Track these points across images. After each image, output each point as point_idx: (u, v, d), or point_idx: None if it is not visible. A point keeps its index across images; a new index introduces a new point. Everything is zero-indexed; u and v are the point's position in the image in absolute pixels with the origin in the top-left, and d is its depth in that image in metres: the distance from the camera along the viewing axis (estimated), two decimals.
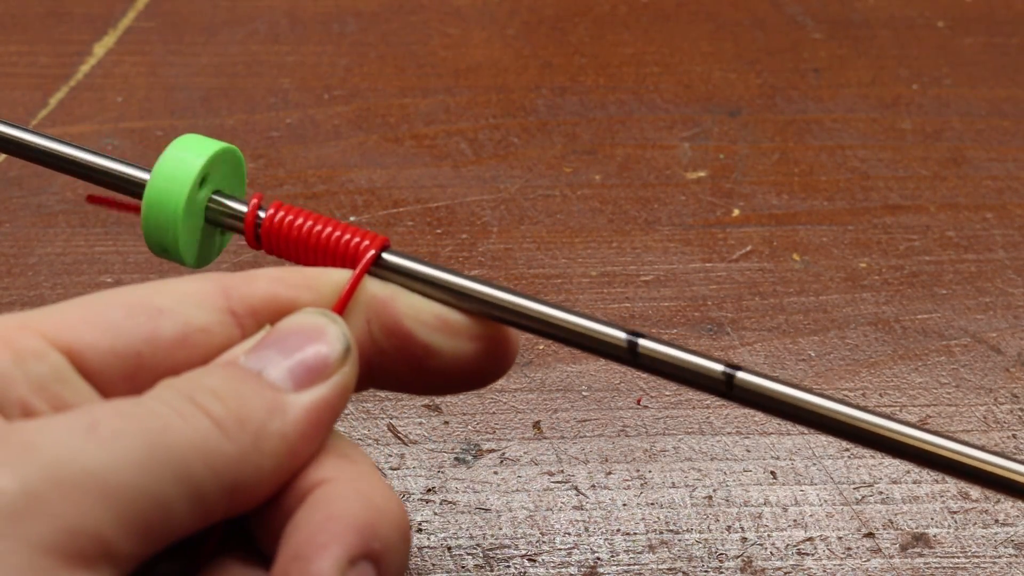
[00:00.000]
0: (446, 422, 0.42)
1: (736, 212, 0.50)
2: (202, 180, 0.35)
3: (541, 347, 0.44)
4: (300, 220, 0.34)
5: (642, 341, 0.32)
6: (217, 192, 0.35)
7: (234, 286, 0.31)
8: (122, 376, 0.29)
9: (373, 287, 0.32)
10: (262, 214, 0.34)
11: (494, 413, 0.42)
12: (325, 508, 0.28)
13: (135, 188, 0.36)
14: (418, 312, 0.32)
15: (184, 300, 0.30)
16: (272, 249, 0.35)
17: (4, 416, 0.27)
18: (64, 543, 0.25)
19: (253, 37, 0.58)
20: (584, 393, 0.43)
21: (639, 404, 0.43)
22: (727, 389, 0.31)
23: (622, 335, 0.32)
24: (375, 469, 0.30)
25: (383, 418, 0.42)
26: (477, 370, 0.33)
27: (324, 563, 0.27)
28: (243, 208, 0.35)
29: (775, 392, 0.31)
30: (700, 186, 0.51)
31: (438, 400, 0.42)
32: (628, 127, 0.54)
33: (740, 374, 0.31)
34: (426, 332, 0.32)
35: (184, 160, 0.34)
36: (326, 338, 0.30)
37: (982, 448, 0.30)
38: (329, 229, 0.34)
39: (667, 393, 0.43)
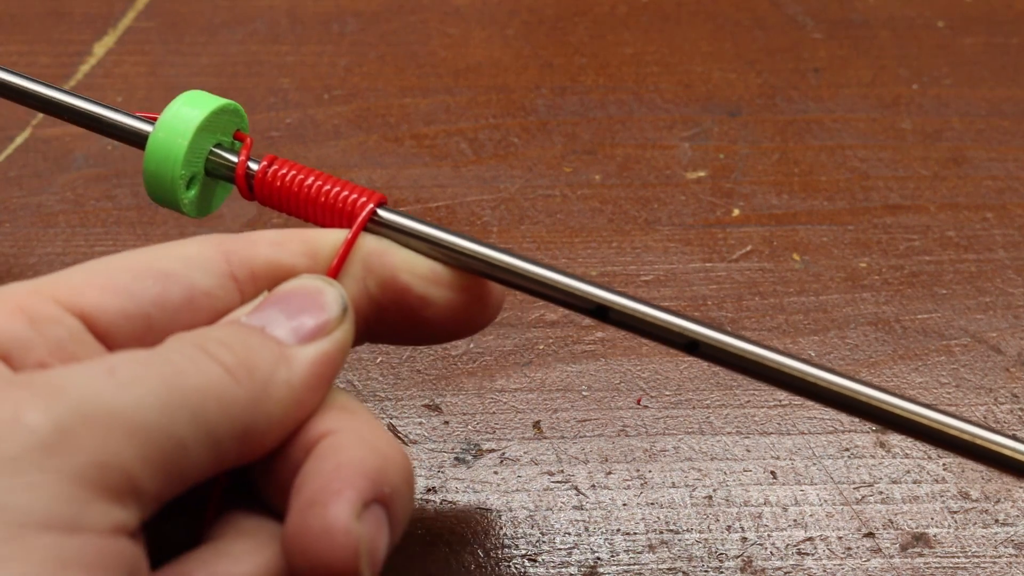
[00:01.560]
0: (446, 422, 0.42)
1: (736, 212, 0.50)
2: (203, 133, 0.36)
3: (541, 347, 0.44)
4: (292, 173, 0.35)
5: (613, 298, 0.33)
6: (218, 145, 0.37)
7: (234, 250, 0.32)
8: (132, 338, 0.30)
9: (369, 243, 0.34)
10: (253, 166, 0.36)
11: (494, 413, 0.42)
12: (335, 456, 0.29)
13: (138, 139, 0.37)
14: (412, 265, 0.33)
15: (188, 264, 0.31)
16: (265, 201, 0.36)
17: None
18: (95, 476, 0.26)
19: (253, 37, 0.58)
20: (584, 393, 0.43)
21: (639, 404, 0.43)
22: (692, 347, 0.33)
23: (594, 292, 0.33)
24: (376, 419, 0.31)
25: (383, 418, 0.42)
26: (466, 319, 0.34)
27: (340, 507, 0.28)
28: (236, 160, 0.36)
29: (738, 349, 0.32)
30: (700, 186, 0.51)
31: (438, 400, 0.42)
32: (628, 127, 0.54)
33: (701, 330, 0.33)
34: (421, 284, 0.33)
35: (186, 113, 0.36)
36: (324, 299, 0.31)
37: (918, 402, 0.32)
38: (320, 183, 0.35)
39: (667, 393, 0.43)
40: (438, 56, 0.57)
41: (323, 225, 0.35)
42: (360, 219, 0.34)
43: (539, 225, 0.49)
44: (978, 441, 0.31)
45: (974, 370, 0.44)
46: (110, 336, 0.30)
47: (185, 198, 0.37)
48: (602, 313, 0.33)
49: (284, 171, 0.35)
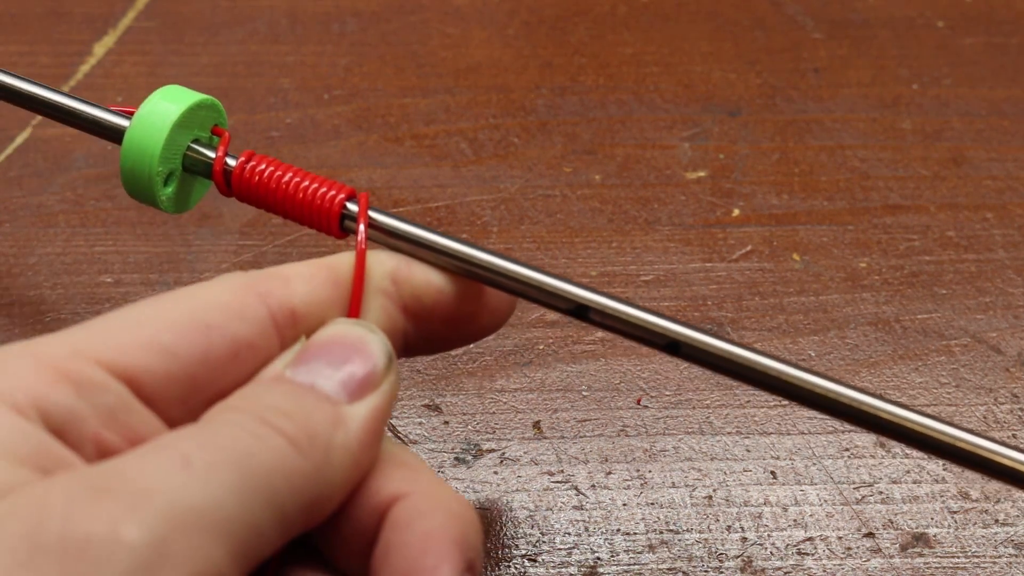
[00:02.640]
0: (446, 422, 0.42)
1: (736, 212, 0.50)
2: (181, 129, 0.36)
3: (541, 347, 0.44)
4: (270, 169, 0.35)
5: (593, 297, 0.33)
6: (196, 140, 0.36)
7: (270, 291, 0.31)
8: (178, 399, 0.29)
9: (387, 257, 0.33)
10: (231, 161, 0.35)
11: (494, 413, 0.42)
12: (417, 525, 0.28)
13: (114, 135, 0.37)
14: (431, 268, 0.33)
15: (228, 313, 0.30)
16: (243, 197, 0.35)
17: (79, 453, 0.27)
18: None
19: (253, 37, 0.58)
20: (584, 393, 0.43)
21: (639, 404, 0.43)
22: (673, 347, 0.32)
23: (574, 291, 0.33)
24: (435, 473, 0.30)
25: None
26: (471, 319, 0.34)
27: None
28: (214, 155, 0.36)
29: (720, 350, 0.32)
30: (700, 186, 0.51)
31: (438, 400, 0.42)
32: (628, 127, 0.54)
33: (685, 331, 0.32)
34: (452, 279, 0.33)
35: (163, 108, 0.35)
36: (369, 349, 0.30)
37: (903, 406, 0.32)
38: (299, 179, 0.34)
39: (667, 393, 0.43)
40: (438, 56, 0.57)
41: (301, 222, 0.35)
42: (361, 238, 0.33)
43: (539, 225, 0.49)
44: (959, 444, 0.31)
45: (974, 370, 0.44)
46: (155, 399, 0.29)
47: (163, 194, 0.36)
48: (582, 312, 0.33)
49: (262, 167, 0.35)
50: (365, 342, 0.30)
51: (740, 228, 0.49)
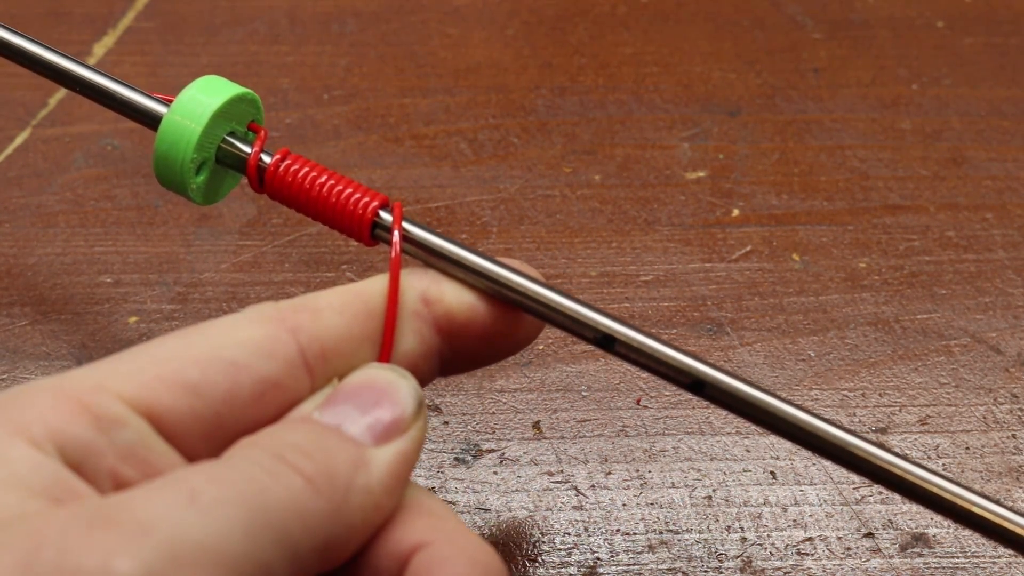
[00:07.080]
0: (446, 422, 0.42)
1: (736, 212, 0.50)
2: (218, 120, 0.36)
3: (541, 347, 0.44)
4: (305, 170, 0.35)
5: (619, 329, 0.32)
6: (231, 133, 0.36)
7: (301, 326, 0.30)
8: (201, 436, 0.29)
9: (416, 279, 0.32)
10: (266, 158, 0.35)
11: (494, 413, 0.42)
12: (438, 573, 0.28)
13: (151, 120, 0.37)
14: (464, 287, 0.33)
15: (256, 351, 0.29)
16: (275, 195, 0.35)
17: (96, 487, 0.27)
18: None
19: (253, 37, 0.58)
20: (584, 393, 0.43)
21: (639, 404, 0.43)
22: (698, 388, 0.32)
23: (602, 321, 0.32)
24: (461, 521, 0.30)
25: None
26: (505, 335, 0.34)
27: None
28: (250, 151, 0.36)
29: (744, 394, 0.32)
30: (700, 186, 0.51)
31: (438, 400, 0.42)
32: (628, 127, 0.54)
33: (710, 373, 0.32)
34: (484, 298, 0.33)
35: (203, 98, 0.36)
36: (399, 394, 0.30)
37: (931, 471, 0.31)
38: (333, 183, 0.34)
39: (667, 393, 0.43)
40: (438, 56, 0.57)
41: (332, 226, 0.34)
42: (395, 255, 0.33)
43: (539, 225, 0.49)
44: (972, 508, 0.31)
45: (974, 370, 0.44)
46: (178, 436, 0.28)
47: (193, 183, 0.36)
48: (608, 343, 0.32)
49: (297, 167, 0.35)
50: (395, 387, 0.30)
51: (740, 228, 0.49)
